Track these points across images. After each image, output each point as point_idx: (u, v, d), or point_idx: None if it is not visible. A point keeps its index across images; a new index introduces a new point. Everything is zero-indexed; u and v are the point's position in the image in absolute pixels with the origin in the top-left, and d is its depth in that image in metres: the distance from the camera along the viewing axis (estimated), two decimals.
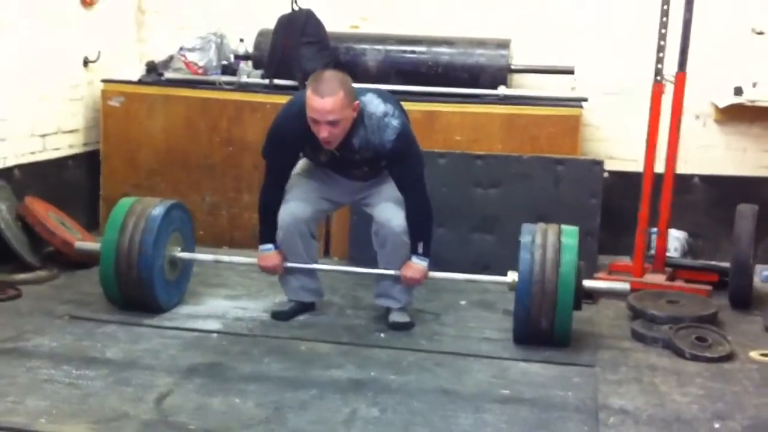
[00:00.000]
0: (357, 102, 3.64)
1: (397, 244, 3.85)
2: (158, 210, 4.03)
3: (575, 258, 3.66)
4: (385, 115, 3.69)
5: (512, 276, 3.75)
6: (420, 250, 3.83)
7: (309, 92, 3.56)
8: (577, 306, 3.70)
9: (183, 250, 4.18)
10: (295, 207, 3.92)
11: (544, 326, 3.65)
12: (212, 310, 4.17)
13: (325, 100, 3.51)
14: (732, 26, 5.30)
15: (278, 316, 4.08)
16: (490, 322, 4.12)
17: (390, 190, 3.88)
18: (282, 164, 3.89)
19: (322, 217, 4.28)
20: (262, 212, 3.96)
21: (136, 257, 3.93)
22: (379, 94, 3.81)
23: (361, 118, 3.67)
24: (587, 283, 3.77)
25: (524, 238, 3.72)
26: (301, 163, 3.99)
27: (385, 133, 3.67)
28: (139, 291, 3.97)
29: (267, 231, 3.96)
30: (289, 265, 4.00)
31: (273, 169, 3.90)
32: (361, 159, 3.77)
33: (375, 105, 3.71)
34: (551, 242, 3.69)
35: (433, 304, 4.33)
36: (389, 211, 3.86)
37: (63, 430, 2.84)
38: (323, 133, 3.57)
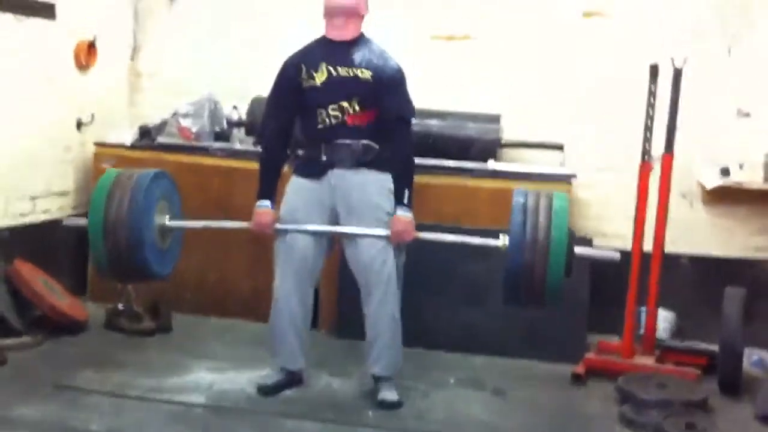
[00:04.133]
0: (367, 10, 4.05)
1: (384, 292, 3.92)
2: (143, 179, 4.02)
3: (566, 221, 3.66)
4: (384, 52, 4.01)
5: (503, 239, 3.75)
6: (405, 199, 3.89)
7: None
8: (568, 271, 3.66)
9: (171, 218, 4.16)
10: (293, 288, 4.00)
11: (535, 286, 3.63)
12: (198, 382, 4.13)
13: None
14: (719, 107, 5.38)
15: (263, 389, 4.03)
16: (480, 402, 4.10)
17: (366, 215, 3.95)
18: (283, 99, 4.03)
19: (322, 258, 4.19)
20: (263, 163, 4.11)
21: (125, 229, 3.87)
22: None
23: (366, 40, 4.00)
24: (578, 250, 3.74)
25: (516, 200, 3.73)
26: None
27: (387, 61, 3.96)
28: (131, 262, 3.92)
29: (265, 185, 4.06)
30: (280, 226, 4.00)
31: (274, 108, 4.07)
32: (358, 82, 3.89)
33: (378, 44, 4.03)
34: (543, 205, 3.69)
35: (422, 382, 4.29)
36: (370, 246, 3.92)
37: None
38: (339, 20, 3.93)
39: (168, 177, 4.24)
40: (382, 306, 3.95)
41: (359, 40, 4.00)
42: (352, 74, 3.92)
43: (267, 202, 4.01)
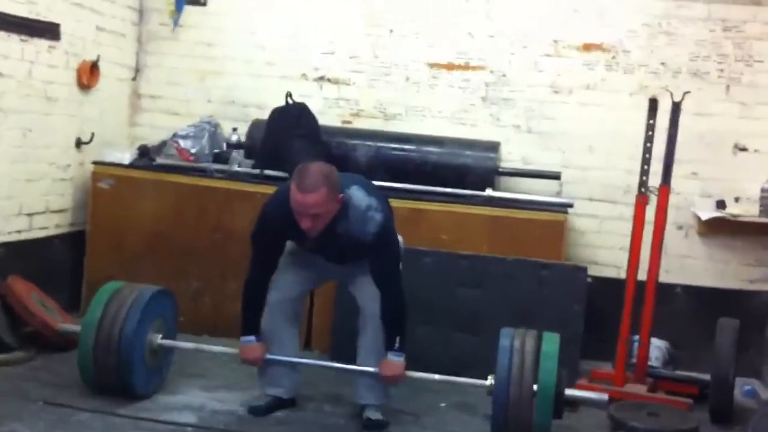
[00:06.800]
0: (341, 195, 3.69)
1: (377, 329, 3.89)
2: (143, 296, 4.04)
3: (555, 365, 3.63)
4: (369, 208, 3.74)
5: (491, 380, 3.73)
6: (396, 345, 3.82)
7: (293, 186, 3.61)
8: (558, 414, 3.67)
9: (165, 337, 4.16)
10: (283, 288, 3.99)
11: (521, 429, 3.59)
12: (189, 402, 4.12)
13: (308, 195, 3.57)
14: (716, 141, 5.44)
15: (255, 411, 4.03)
16: (471, 427, 4.09)
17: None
18: (268, 252, 3.91)
19: (307, 294, 4.32)
20: (246, 302, 3.97)
21: (116, 342, 3.91)
22: (365, 186, 3.88)
23: (345, 209, 3.72)
24: (568, 392, 3.74)
25: (503, 343, 3.71)
26: (288, 248, 4.01)
27: (366, 227, 3.72)
28: (115, 376, 3.94)
29: (249, 322, 3.96)
30: (270, 357, 3.98)
31: (259, 257, 3.92)
32: (343, 248, 3.81)
33: (360, 198, 3.76)
34: (530, 348, 3.67)
35: (413, 405, 4.29)
36: (372, 295, 3.88)
37: None
38: (306, 223, 3.63)
39: (168, 295, 4.24)
40: (376, 339, 3.94)
41: (337, 215, 3.71)
42: (335, 244, 3.79)
43: (252, 338, 3.94)
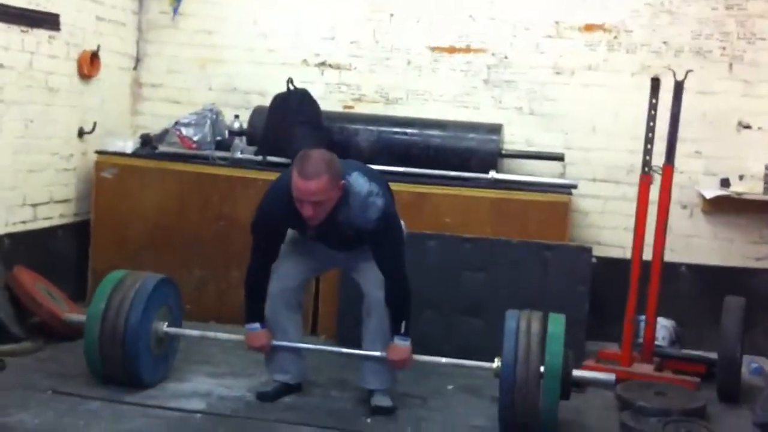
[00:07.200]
0: (342, 182, 3.68)
1: (382, 315, 3.89)
2: (147, 285, 4.05)
3: (561, 347, 3.64)
4: (370, 194, 3.73)
5: (498, 362, 3.74)
6: (402, 330, 3.84)
7: (294, 173, 3.61)
8: (565, 395, 3.68)
9: (170, 325, 4.17)
10: (284, 276, 3.99)
11: (529, 416, 3.61)
12: (196, 389, 4.13)
13: (310, 182, 3.56)
14: (719, 119, 5.42)
15: (263, 396, 4.04)
16: (478, 409, 4.09)
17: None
18: (269, 241, 3.91)
19: (309, 281, 4.31)
20: (249, 291, 3.98)
21: (121, 332, 3.92)
22: (366, 172, 3.87)
23: (346, 196, 3.71)
24: (576, 373, 3.75)
25: (509, 325, 3.72)
26: (290, 236, 4.01)
27: (368, 213, 3.71)
28: (122, 366, 3.95)
29: (253, 309, 3.98)
30: (277, 343, 3.99)
31: (260, 246, 3.93)
32: (345, 235, 3.82)
33: (360, 184, 3.75)
34: (536, 330, 3.68)
35: (420, 388, 4.30)
36: (376, 281, 3.88)
37: None
38: (307, 211, 3.63)
39: (171, 283, 4.24)
40: (381, 324, 3.95)
41: (338, 203, 3.70)
42: (337, 232, 3.79)
43: (257, 325, 3.96)
